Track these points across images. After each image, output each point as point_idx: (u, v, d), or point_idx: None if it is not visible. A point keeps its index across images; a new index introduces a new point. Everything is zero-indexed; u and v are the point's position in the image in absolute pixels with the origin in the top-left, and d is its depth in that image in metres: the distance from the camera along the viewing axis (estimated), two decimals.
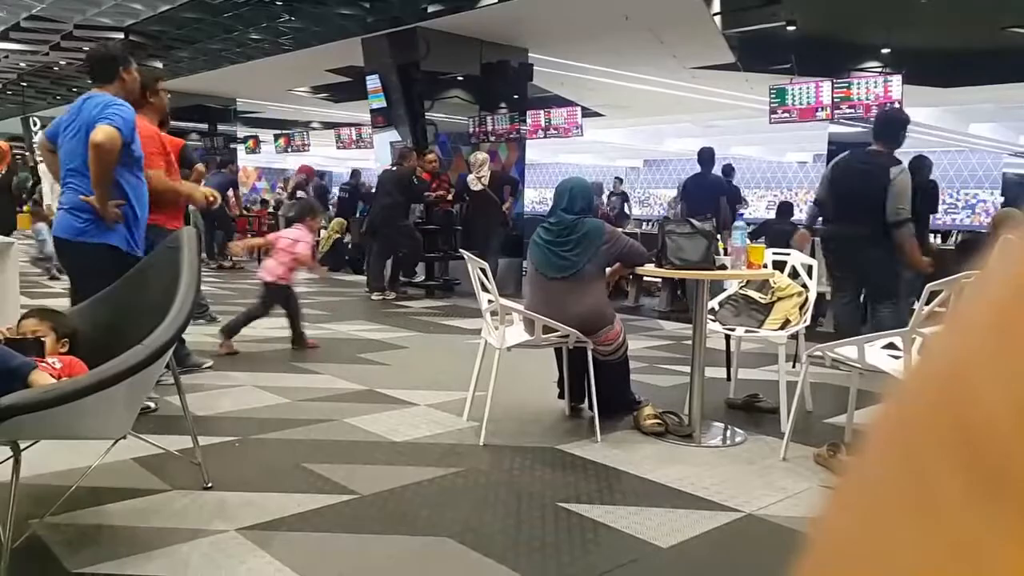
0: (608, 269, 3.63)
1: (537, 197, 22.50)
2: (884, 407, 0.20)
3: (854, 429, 3.45)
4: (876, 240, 4.36)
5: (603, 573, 2.21)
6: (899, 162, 4.43)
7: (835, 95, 8.41)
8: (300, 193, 11.29)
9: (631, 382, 3.79)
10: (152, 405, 3.83)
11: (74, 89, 14.87)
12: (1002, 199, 17.30)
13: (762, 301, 4.01)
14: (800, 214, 9.72)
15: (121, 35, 10.10)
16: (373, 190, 9.17)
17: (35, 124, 17.59)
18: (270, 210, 14.08)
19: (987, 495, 0.17)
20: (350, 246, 10.96)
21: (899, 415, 0.20)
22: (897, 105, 7.48)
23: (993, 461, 0.17)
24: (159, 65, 11.51)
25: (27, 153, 16.52)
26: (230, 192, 11.21)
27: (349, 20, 9.34)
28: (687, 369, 3.68)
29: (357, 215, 11.03)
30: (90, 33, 10.19)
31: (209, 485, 2.69)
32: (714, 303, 4.06)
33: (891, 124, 4.57)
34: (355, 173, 12.61)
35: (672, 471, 3.02)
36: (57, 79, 14.10)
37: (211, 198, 4.31)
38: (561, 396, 3.82)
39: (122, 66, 3.61)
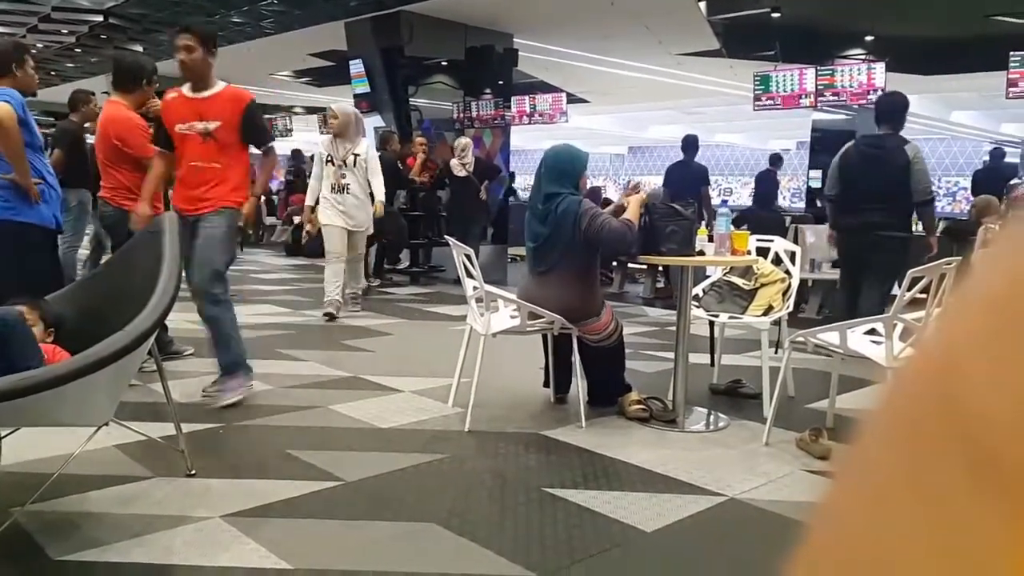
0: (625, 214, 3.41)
1: (522, 184, 22.45)
2: (881, 398, 0.20)
3: (836, 414, 3.49)
4: (896, 225, 4.43)
5: (587, 557, 2.23)
6: (908, 141, 4.48)
7: (819, 82, 8.43)
8: None
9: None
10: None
11: (52, 72, 14.64)
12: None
13: (746, 287, 4.04)
14: (784, 201, 9.77)
15: (100, 17, 9.95)
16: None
17: None
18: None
19: (985, 485, 0.17)
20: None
21: (896, 406, 0.20)
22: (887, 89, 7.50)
23: (991, 451, 0.17)
24: (139, 49, 11.35)
25: None
26: None
27: (332, 3, 9.25)
28: (671, 355, 3.70)
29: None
30: (68, 16, 10.04)
31: (193, 472, 2.68)
32: (698, 289, 4.08)
33: (894, 107, 4.61)
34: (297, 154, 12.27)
35: (656, 456, 3.04)
36: (35, 63, 13.88)
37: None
38: (547, 384, 3.82)
39: (15, 63, 3.72)
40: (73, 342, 2.50)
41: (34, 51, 3.89)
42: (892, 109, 4.60)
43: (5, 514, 2.19)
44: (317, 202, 5.93)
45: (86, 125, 5.94)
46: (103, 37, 11.10)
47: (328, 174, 5.85)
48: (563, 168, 3.49)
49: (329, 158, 5.85)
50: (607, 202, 9.30)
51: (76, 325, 2.66)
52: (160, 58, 12.51)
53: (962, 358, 0.18)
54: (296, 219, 11.55)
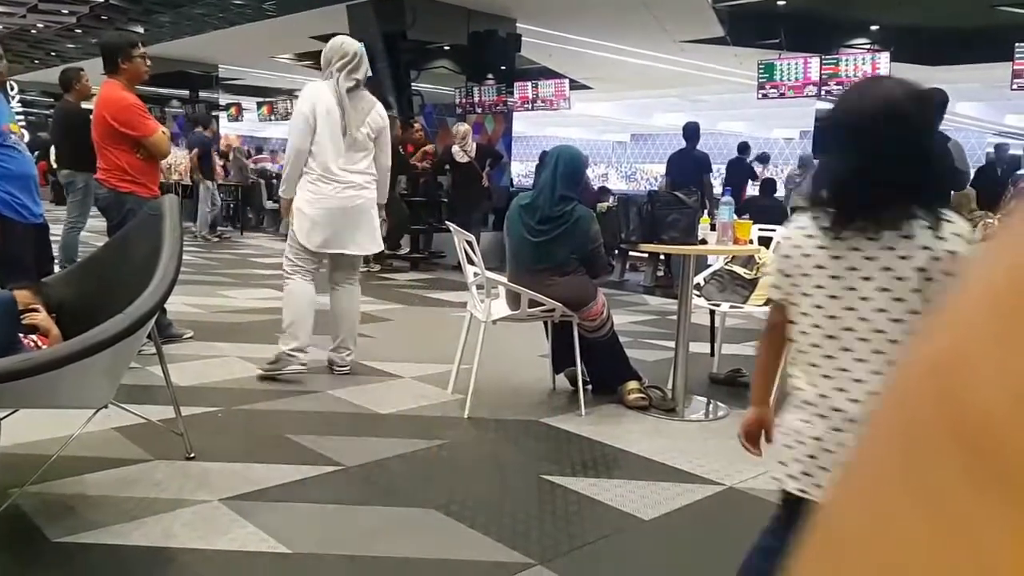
0: None
1: (524, 170, 22.42)
2: (882, 395, 0.20)
3: None
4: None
5: (585, 544, 2.23)
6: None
7: (823, 72, 8.40)
8: None
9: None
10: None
11: (52, 53, 14.58)
12: None
13: (747, 277, 4.02)
14: (783, 191, 9.76)
15: None
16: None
17: (12, 88, 17.27)
18: None
19: (985, 483, 0.17)
20: None
21: (897, 403, 0.20)
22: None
23: (991, 449, 0.17)
24: (140, 30, 11.30)
25: None
26: (217, 158, 10.63)
27: None
28: (671, 344, 3.70)
29: None
30: None
31: (192, 455, 2.68)
32: (699, 278, 4.07)
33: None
34: None
35: (655, 445, 3.04)
36: (35, 43, 13.82)
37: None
38: (558, 371, 3.77)
39: None
40: (73, 324, 2.49)
41: (34, 31, 3.86)
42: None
43: (3, 495, 2.19)
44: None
45: (84, 105, 5.86)
46: (104, 18, 11.04)
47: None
48: (576, 176, 3.54)
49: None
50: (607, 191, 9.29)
51: (76, 307, 2.65)
52: (161, 40, 12.48)
53: (963, 355, 0.18)
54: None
